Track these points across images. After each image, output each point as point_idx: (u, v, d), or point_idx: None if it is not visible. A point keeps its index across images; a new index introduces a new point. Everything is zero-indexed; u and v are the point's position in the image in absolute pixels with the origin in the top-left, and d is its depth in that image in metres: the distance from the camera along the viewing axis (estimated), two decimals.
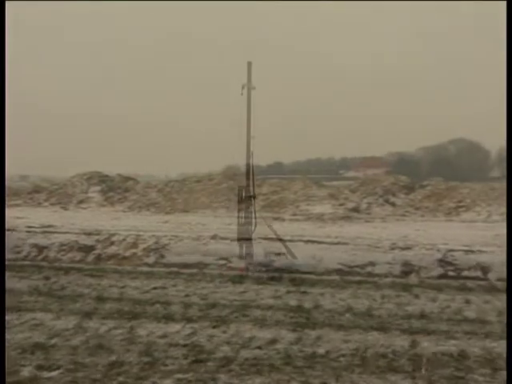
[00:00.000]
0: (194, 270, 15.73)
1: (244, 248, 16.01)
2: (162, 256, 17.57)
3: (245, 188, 16.39)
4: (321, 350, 8.21)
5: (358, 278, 14.65)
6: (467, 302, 11.86)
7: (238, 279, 14.38)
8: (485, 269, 15.50)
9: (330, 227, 24.19)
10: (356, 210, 32.40)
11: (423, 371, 6.12)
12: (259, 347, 8.38)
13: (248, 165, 16.39)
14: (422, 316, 10.48)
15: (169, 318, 10.11)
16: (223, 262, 16.97)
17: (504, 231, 22.78)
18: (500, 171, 72.95)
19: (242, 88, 16.13)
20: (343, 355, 8.00)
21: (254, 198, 16.57)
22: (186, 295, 12.34)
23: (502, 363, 7.65)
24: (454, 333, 9.28)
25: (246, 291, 12.85)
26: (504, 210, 31.54)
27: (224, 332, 9.21)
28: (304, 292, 12.80)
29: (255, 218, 16.32)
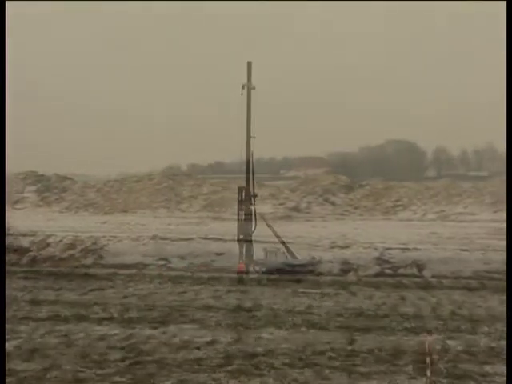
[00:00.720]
0: (133, 271, 15.51)
1: (244, 248, 15.81)
2: (101, 257, 17.26)
3: (245, 188, 16.28)
4: (260, 350, 8.22)
5: (298, 277, 14.78)
6: (402, 298, 12.14)
7: (178, 279, 14.27)
8: (420, 266, 15.92)
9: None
10: (296, 209, 32.74)
11: (428, 373, 6.01)
12: (198, 348, 8.32)
13: (248, 165, 16.28)
14: (360, 313, 10.66)
15: (106, 320, 9.92)
16: (163, 262, 16.81)
17: (439, 229, 23.50)
18: (435, 171, 75.14)
19: (242, 88, 16.07)
20: (283, 354, 8.03)
21: (255, 197, 16.45)
22: (125, 296, 12.15)
23: (435, 356, 7.84)
24: (390, 329, 9.47)
25: (185, 291, 12.78)
26: (439, 208, 32.54)
27: (163, 333, 9.11)
28: (244, 291, 12.83)
29: (255, 217, 16.17)
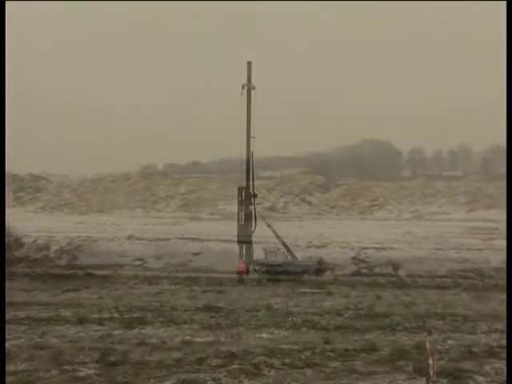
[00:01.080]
0: (109, 272, 15.39)
1: (244, 249, 15.77)
2: (75, 258, 17.11)
3: (245, 188, 16.28)
4: (235, 349, 8.19)
5: (274, 276, 14.79)
6: (378, 297, 12.21)
7: (154, 280, 14.19)
8: (395, 265, 16.06)
9: None
10: (273, 209, 32.73)
11: (431, 373, 5.92)
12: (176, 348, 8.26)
13: (248, 165, 16.28)
14: (336, 312, 10.69)
15: (81, 321, 9.80)
16: (139, 262, 16.72)
17: (414, 229, 23.66)
18: (410, 171, 75.76)
19: (242, 88, 16.13)
20: (258, 354, 8.01)
21: (255, 197, 16.46)
22: (100, 297, 12.05)
23: (413, 355, 7.88)
24: (366, 328, 9.51)
25: (161, 292, 12.71)
26: (414, 208, 32.77)
27: (139, 334, 9.03)
28: (220, 291, 12.81)
29: (255, 217, 16.16)
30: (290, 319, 10.10)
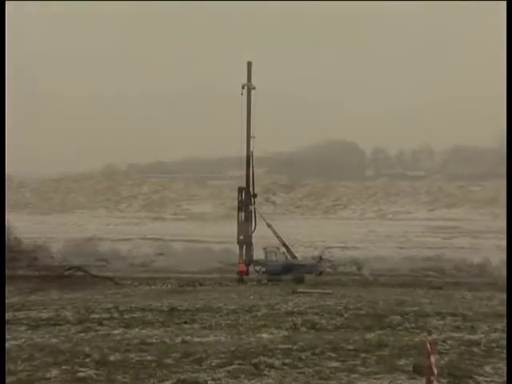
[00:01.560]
0: (71, 272, 15.13)
1: (244, 249, 15.67)
2: (36, 259, 16.77)
3: (245, 188, 16.22)
4: (200, 349, 8.11)
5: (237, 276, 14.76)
6: (342, 296, 12.26)
7: (116, 280, 14.00)
8: (359, 264, 16.20)
9: (211, 226, 24.19)
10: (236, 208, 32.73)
11: (435, 371, 5.85)
12: (129, 350, 8.11)
13: (248, 164, 16.22)
14: (299, 312, 10.67)
15: (40, 324, 9.60)
16: (102, 263, 16.50)
17: (377, 228, 23.96)
18: (373, 170, 76.57)
19: (242, 88, 16.06)
20: (223, 352, 7.94)
21: (255, 197, 16.41)
22: (60, 299, 11.82)
23: (373, 351, 7.90)
24: (329, 326, 9.52)
25: (123, 293, 12.54)
26: (378, 207, 33.17)
27: (96, 335, 8.86)
28: (181, 292, 12.70)
29: (255, 217, 16.10)
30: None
